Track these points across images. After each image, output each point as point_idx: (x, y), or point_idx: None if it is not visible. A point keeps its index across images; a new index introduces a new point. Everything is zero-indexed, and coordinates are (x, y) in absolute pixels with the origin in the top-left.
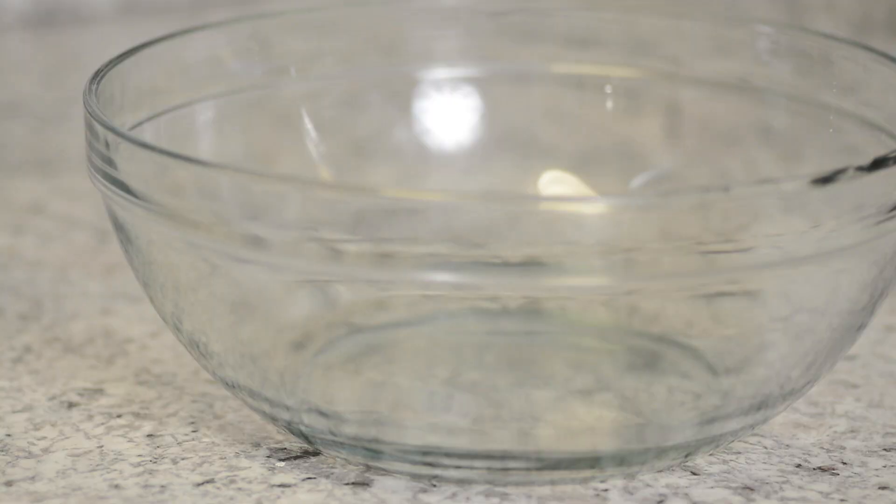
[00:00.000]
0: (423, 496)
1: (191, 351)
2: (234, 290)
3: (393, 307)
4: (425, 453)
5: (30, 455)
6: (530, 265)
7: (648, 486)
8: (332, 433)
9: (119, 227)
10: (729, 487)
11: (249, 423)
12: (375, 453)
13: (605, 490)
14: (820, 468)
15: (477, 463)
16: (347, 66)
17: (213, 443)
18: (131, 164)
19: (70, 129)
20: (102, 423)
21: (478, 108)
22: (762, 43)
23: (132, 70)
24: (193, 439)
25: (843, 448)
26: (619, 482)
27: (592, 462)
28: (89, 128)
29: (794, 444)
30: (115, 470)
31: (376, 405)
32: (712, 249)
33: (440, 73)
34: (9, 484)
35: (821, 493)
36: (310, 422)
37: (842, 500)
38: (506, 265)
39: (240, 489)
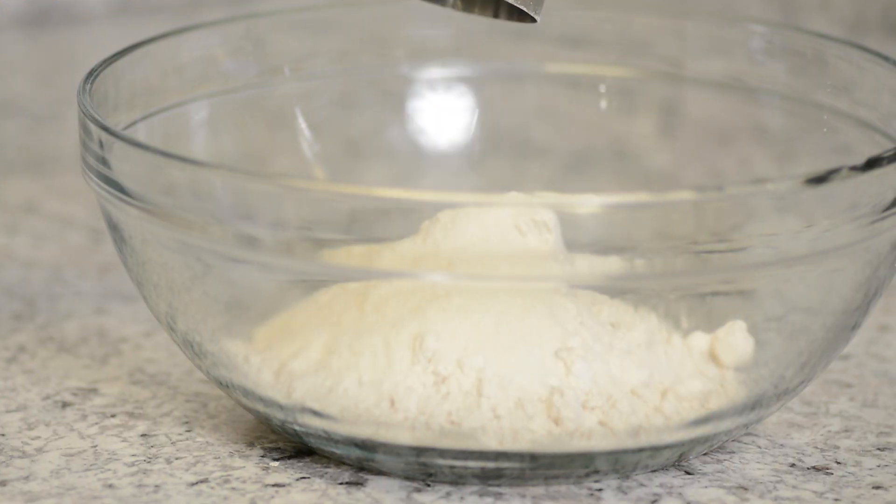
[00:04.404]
0: (417, 496)
1: (185, 350)
2: (228, 290)
3: None
4: (419, 453)
5: (24, 455)
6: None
7: (642, 485)
8: (326, 433)
9: (113, 226)
10: (723, 487)
11: (243, 422)
12: (369, 452)
13: (600, 490)
14: (814, 468)
15: (471, 462)
16: (341, 66)
17: (207, 442)
18: (125, 164)
19: (64, 128)
20: (96, 423)
21: (471, 107)
22: (756, 42)
23: (126, 69)
24: (187, 439)
25: (837, 447)
26: (613, 481)
27: (586, 461)
28: (83, 127)
29: (788, 444)
30: (109, 469)
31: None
32: (707, 249)
33: (434, 72)
34: (3, 484)
35: (815, 492)
36: (304, 421)
37: (836, 500)
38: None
39: (234, 489)
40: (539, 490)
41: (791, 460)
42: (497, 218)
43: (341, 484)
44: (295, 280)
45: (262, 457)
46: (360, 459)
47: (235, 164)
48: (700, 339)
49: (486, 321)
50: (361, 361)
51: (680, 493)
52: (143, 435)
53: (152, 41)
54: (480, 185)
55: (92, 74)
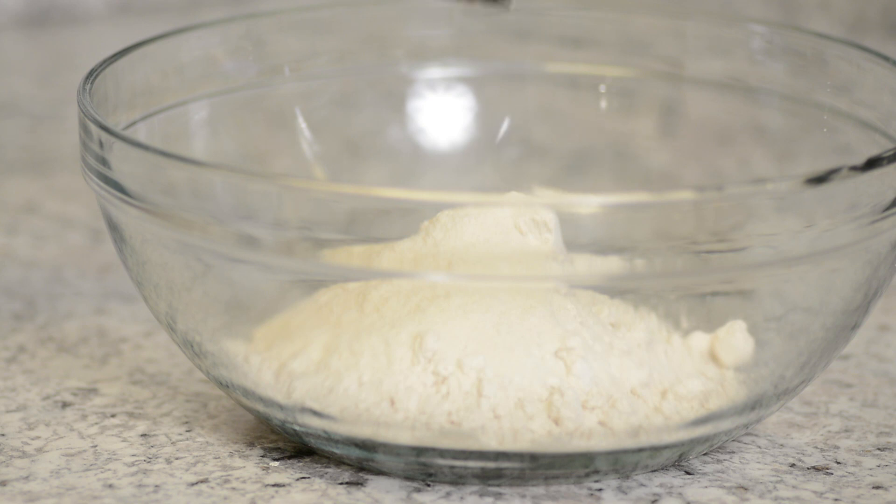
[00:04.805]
0: (417, 496)
1: (185, 350)
2: (228, 290)
3: None
4: (419, 453)
5: (24, 455)
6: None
7: (642, 485)
8: (326, 433)
9: (113, 226)
10: (723, 487)
11: (243, 422)
12: (369, 452)
13: (600, 490)
14: (814, 468)
15: (471, 462)
16: (341, 66)
17: (207, 442)
18: (125, 164)
19: (64, 128)
20: (96, 423)
21: (472, 107)
22: (756, 42)
23: (126, 69)
24: (187, 439)
25: (837, 447)
26: (613, 481)
27: (587, 461)
28: (83, 127)
29: (787, 444)
30: (109, 469)
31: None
32: (706, 249)
33: (434, 72)
34: (3, 484)
35: (815, 492)
36: (304, 421)
37: (836, 500)
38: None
39: (234, 489)
40: (539, 490)
41: (791, 460)
42: (497, 218)
43: (341, 484)
44: (295, 280)
45: (262, 457)
46: (360, 459)
47: (235, 164)
48: (700, 339)
49: (486, 321)
50: (361, 361)
51: (680, 493)
52: (143, 435)
53: (152, 41)
54: (480, 185)
55: (92, 74)
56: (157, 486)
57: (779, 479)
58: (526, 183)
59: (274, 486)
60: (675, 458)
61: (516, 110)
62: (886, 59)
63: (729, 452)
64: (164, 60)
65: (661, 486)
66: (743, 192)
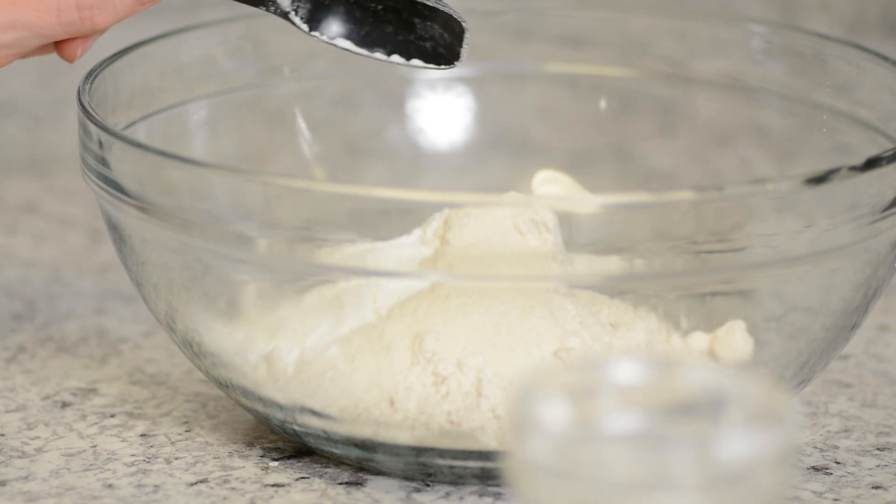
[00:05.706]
0: (416, 496)
1: (184, 350)
2: (228, 290)
3: None
4: (419, 453)
5: (23, 455)
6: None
7: None
8: (326, 433)
9: (112, 226)
10: None
11: (243, 422)
12: (369, 452)
13: None
14: (813, 468)
15: (470, 462)
16: (341, 66)
17: (206, 442)
18: (124, 164)
19: (64, 128)
20: (96, 423)
21: (471, 107)
22: (756, 42)
23: (126, 69)
24: (187, 439)
25: (837, 447)
26: None
27: None
28: (83, 127)
29: None
30: (109, 469)
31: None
32: (706, 249)
33: (434, 72)
34: (2, 484)
35: (814, 492)
36: (303, 421)
37: (835, 500)
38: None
39: (233, 489)
40: None
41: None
42: (496, 218)
43: (341, 484)
44: (294, 280)
45: (262, 457)
46: (359, 459)
47: (235, 164)
48: (700, 339)
49: (486, 321)
50: (361, 361)
51: None
52: (143, 435)
53: (152, 41)
54: (480, 185)
55: (91, 74)
56: (156, 486)
57: None
58: (526, 183)
59: (273, 486)
60: None
61: (516, 110)
62: (886, 59)
63: None
64: (163, 60)
65: None
66: (743, 192)
